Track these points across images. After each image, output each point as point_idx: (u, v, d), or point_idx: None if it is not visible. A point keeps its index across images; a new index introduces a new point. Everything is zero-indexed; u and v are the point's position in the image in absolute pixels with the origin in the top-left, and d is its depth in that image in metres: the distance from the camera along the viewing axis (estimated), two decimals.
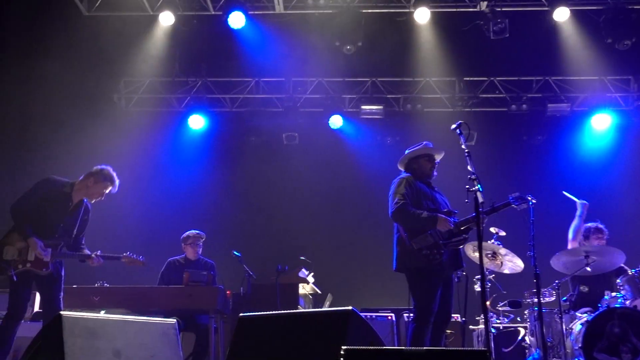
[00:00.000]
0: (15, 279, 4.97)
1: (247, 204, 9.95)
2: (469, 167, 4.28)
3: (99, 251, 5.46)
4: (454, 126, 4.59)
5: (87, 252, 5.44)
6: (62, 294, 5.26)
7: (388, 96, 10.02)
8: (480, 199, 4.12)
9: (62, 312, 3.40)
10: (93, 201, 5.42)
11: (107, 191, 5.38)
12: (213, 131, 10.14)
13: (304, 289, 7.30)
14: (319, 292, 7.70)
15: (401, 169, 5.22)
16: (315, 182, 9.81)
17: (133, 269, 7.62)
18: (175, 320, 4.12)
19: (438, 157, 5.20)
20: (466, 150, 4.37)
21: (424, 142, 5.20)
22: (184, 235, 6.83)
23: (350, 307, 3.12)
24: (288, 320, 3.25)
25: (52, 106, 8.91)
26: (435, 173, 5.16)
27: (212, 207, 9.64)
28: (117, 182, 5.39)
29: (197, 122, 9.92)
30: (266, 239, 9.52)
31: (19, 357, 5.59)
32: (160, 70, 9.62)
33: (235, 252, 6.75)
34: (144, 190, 9.45)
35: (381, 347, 2.57)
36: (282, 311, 3.45)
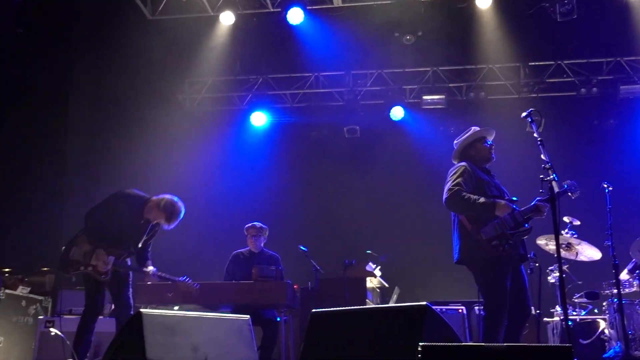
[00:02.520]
0: (73, 279, 5.15)
1: (311, 199, 9.98)
2: (542, 156, 4.09)
3: (156, 269, 5.51)
4: (524, 114, 4.40)
5: (148, 266, 5.49)
6: (130, 291, 5.40)
7: (450, 85, 9.82)
8: (556, 189, 3.93)
9: (141, 310, 3.48)
10: (154, 222, 5.45)
11: (160, 222, 5.40)
12: (275, 127, 10.22)
13: (372, 282, 7.25)
14: (386, 285, 7.63)
15: (457, 162, 4.94)
16: (378, 175, 9.74)
17: (203, 265, 7.78)
18: (249, 316, 4.14)
19: (490, 137, 4.98)
20: (539, 139, 4.18)
21: (471, 128, 4.99)
22: (247, 225, 6.87)
23: (424, 303, 3.05)
24: (362, 315, 3.21)
25: (121, 108, 9.19)
26: (494, 155, 4.91)
27: (276, 202, 9.71)
28: (173, 223, 5.36)
29: (259, 119, 10.03)
30: (331, 233, 9.50)
31: (100, 352, 5.80)
32: (222, 69, 9.76)
33: (301, 247, 6.74)
34: (209, 187, 9.64)
35: (459, 344, 2.50)
36: (356, 307, 3.41)
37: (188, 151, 9.72)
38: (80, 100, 9.22)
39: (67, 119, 9.32)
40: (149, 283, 6.10)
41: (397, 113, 9.69)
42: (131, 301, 5.38)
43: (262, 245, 6.77)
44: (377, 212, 9.61)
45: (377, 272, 7.15)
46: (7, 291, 6.90)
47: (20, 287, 7.51)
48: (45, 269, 8.40)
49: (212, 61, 9.60)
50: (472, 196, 4.54)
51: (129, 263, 5.45)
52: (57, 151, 9.31)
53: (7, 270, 7.68)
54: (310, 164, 10.10)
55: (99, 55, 8.99)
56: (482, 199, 4.53)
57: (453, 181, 4.61)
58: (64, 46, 8.84)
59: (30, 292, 7.57)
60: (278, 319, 6.27)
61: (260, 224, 6.77)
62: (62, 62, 8.94)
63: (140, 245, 5.45)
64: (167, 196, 5.38)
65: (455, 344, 2.52)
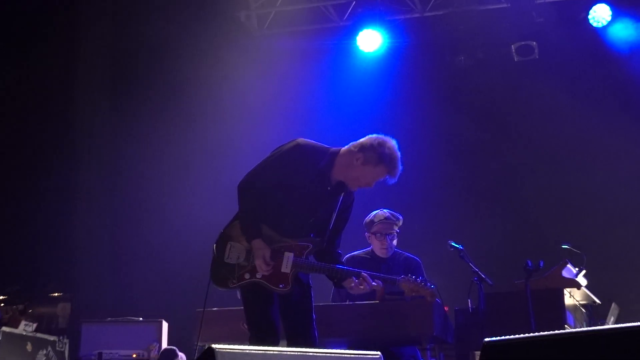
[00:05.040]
0: (239, 295, 5.21)
1: (461, 165, 9.98)
2: None
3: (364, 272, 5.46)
4: None
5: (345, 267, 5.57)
6: (314, 314, 5.41)
7: None
8: None
9: (214, 346, 3.55)
10: (355, 189, 5.47)
11: (380, 179, 5.41)
12: (396, 52, 10.20)
13: (572, 296, 7.09)
14: (597, 301, 7.44)
15: None
16: (572, 120, 9.56)
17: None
18: (379, 354, 4.15)
19: None
20: None
21: None
22: (368, 218, 6.90)
23: None
24: (580, 343, 3.10)
25: (162, 35, 9.59)
26: None
27: (406, 169, 9.68)
28: (398, 169, 5.43)
29: (370, 41, 10.02)
30: (499, 219, 9.48)
31: None
32: None
33: (453, 243, 6.67)
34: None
35: None
36: (566, 331, 3.32)
37: (258, 93, 9.92)
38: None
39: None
40: (214, 309, 6.25)
41: (600, 14, 9.49)
42: (316, 332, 5.36)
43: (394, 245, 6.83)
44: (574, 179, 9.47)
45: (582, 280, 6.97)
46: (5, 329, 7.30)
47: (23, 322, 7.94)
48: (57, 294, 8.84)
49: None
50: None
51: (315, 263, 5.42)
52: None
53: (1, 298, 8.14)
54: (456, 106, 10.11)
55: None
56: None
57: None
58: None
59: (37, 330, 7.98)
60: None
61: (391, 213, 6.81)
62: None
63: (328, 233, 5.46)
64: (368, 140, 5.39)
65: None
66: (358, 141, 5.38)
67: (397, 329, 6.10)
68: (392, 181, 5.42)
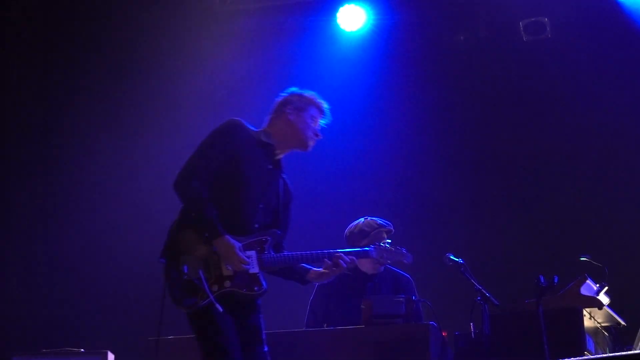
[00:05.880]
0: (220, 309, 5.09)
1: (461, 159, 10.01)
2: None
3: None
4: None
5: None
6: (266, 346, 5.39)
7: None
8: None
9: None
10: (308, 149, 5.61)
11: (319, 121, 5.62)
12: (383, 31, 10.21)
13: (593, 317, 7.10)
14: (622, 322, 7.46)
15: None
16: (592, 111, 9.62)
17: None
18: None
19: None
20: None
21: None
22: (355, 228, 6.93)
23: None
24: None
25: (103, 12, 9.73)
26: None
27: (390, 171, 9.73)
28: (323, 102, 5.64)
29: (352, 18, 10.06)
30: (506, 225, 9.49)
31: None
32: None
33: (452, 257, 6.69)
34: None
35: None
36: (590, 357, 3.37)
37: (224, 80, 9.97)
38: None
39: None
40: (170, 337, 6.22)
41: None
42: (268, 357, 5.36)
43: None
44: (594, 183, 9.49)
45: (604, 298, 6.99)
46: None
47: None
48: None
49: None
50: None
51: (282, 255, 5.46)
52: None
53: None
54: (455, 97, 10.11)
55: None
56: None
57: None
58: None
59: None
60: None
61: (380, 222, 6.91)
62: None
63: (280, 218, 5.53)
64: (280, 97, 5.69)
65: None
66: (273, 107, 5.68)
67: (387, 356, 6.15)
68: (326, 120, 5.65)
